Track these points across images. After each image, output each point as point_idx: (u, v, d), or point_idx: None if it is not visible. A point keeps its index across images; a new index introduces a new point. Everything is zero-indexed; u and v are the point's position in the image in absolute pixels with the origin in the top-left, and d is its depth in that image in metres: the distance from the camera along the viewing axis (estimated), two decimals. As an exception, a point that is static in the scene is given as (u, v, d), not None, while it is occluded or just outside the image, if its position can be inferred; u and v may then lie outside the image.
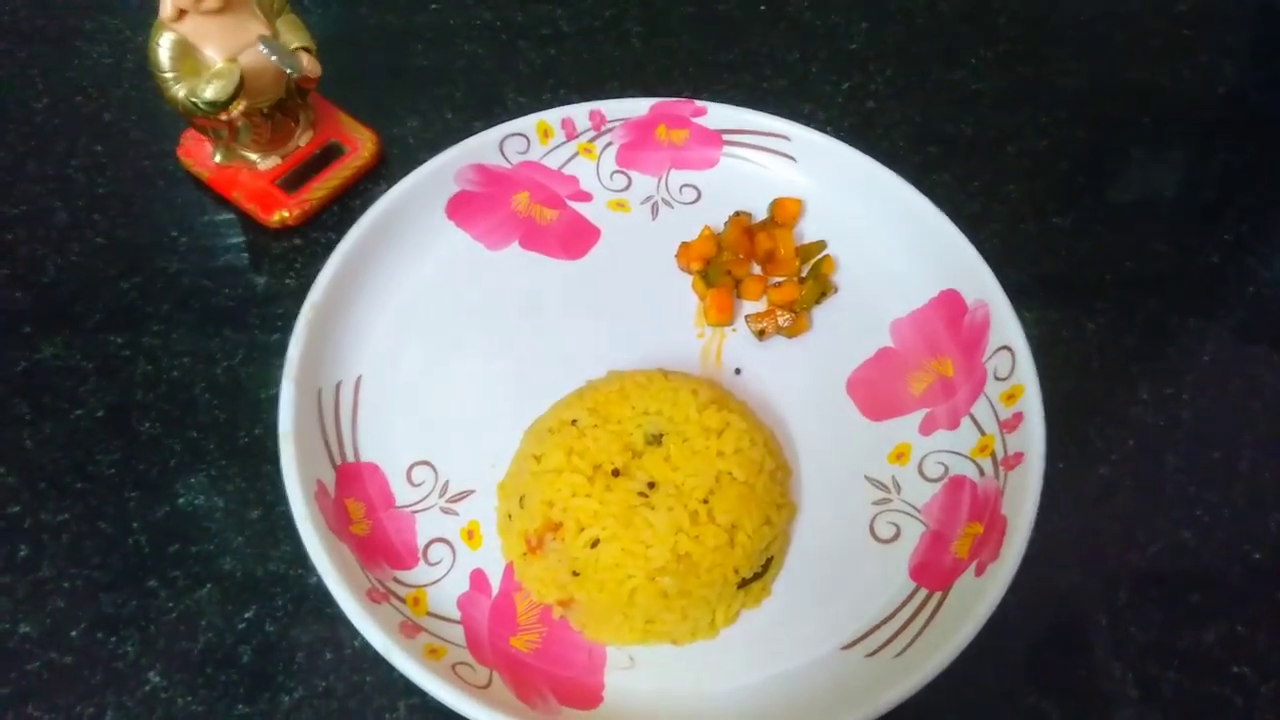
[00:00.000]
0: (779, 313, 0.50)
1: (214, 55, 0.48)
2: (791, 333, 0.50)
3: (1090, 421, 0.49)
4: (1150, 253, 0.55)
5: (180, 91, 0.48)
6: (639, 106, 0.54)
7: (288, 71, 0.50)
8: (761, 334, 0.50)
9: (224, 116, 0.49)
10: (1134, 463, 0.48)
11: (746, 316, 0.51)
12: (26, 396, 0.48)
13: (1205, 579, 0.45)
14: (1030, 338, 0.46)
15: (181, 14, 0.47)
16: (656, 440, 0.43)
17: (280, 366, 0.46)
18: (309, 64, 0.50)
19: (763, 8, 0.65)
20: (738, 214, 0.53)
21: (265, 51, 0.49)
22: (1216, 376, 0.51)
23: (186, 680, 0.42)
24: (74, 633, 0.43)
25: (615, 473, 0.41)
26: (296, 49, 0.50)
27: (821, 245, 0.53)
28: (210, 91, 0.47)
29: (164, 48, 0.48)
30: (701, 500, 0.41)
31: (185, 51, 0.48)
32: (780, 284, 0.51)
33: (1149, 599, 0.44)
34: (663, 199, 0.55)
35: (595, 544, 0.40)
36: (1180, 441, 0.49)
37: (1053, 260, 0.55)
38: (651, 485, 0.41)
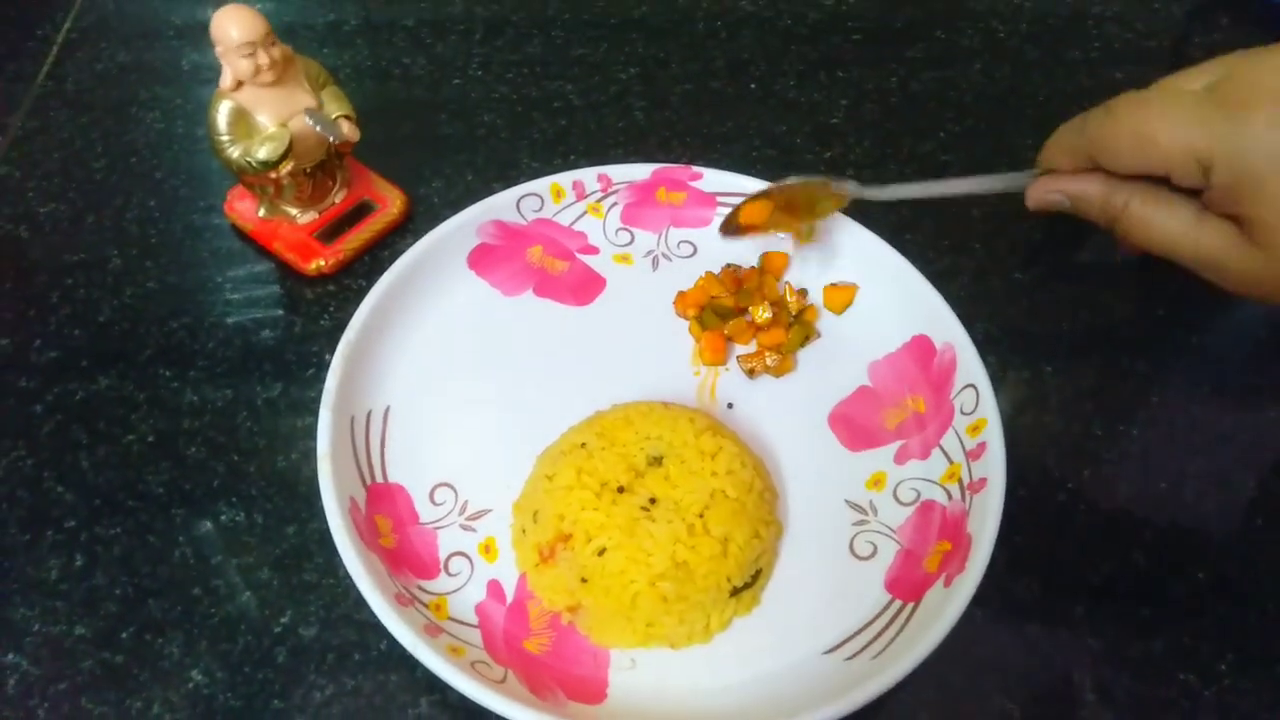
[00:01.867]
0: (767, 354, 0.55)
1: (266, 121, 0.54)
2: (778, 372, 0.55)
3: (1048, 454, 0.53)
4: (1102, 305, 0.60)
5: (235, 152, 0.54)
6: (642, 171, 0.60)
7: (330, 140, 0.56)
8: (751, 373, 0.55)
9: (273, 175, 0.55)
10: (1089, 490, 0.52)
11: (738, 357, 0.56)
12: (84, 423, 0.53)
13: (1154, 595, 0.49)
14: (994, 379, 0.51)
15: (239, 84, 0.53)
16: (657, 462, 0.47)
17: (315, 400, 0.50)
18: (349, 130, 0.56)
19: (753, 86, 0.72)
20: (730, 266, 0.59)
21: (310, 123, 0.55)
22: (1163, 416, 0.55)
23: (227, 678, 0.45)
24: (124, 635, 0.46)
25: (620, 489, 0.46)
26: (338, 116, 0.56)
27: (805, 295, 0.58)
28: (263, 152, 0.53)
29: (222, 114, 0.53)
30: (698, 514, 0.45)
31: (240, 117, 0.54)
32: (768, 329, 0.56)
33: (1103, 612, 0.48)
34: (662, 253, 0.60)
35: (602, 552, 0.45)
36: (1130, 472, 0.53)
37: (1015, 311, 0.60)
38: (653, 501, 0.46)
